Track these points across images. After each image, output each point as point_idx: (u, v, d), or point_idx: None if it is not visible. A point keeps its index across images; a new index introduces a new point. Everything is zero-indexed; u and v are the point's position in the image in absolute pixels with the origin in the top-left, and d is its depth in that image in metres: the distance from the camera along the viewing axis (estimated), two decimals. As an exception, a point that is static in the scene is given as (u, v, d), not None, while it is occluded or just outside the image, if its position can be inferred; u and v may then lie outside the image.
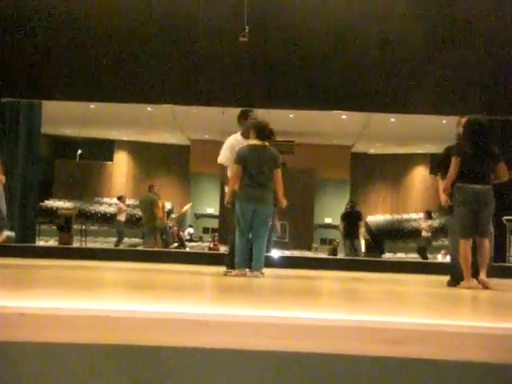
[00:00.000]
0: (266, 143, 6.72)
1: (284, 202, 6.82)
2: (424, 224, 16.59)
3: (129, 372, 2.14)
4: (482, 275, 6.03)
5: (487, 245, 6.28)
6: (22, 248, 11.15)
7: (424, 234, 16.36)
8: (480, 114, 6.72)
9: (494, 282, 6.23)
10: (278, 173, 6.66)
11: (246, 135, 6.79)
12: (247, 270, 6.56)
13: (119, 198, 17.21)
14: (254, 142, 6.69)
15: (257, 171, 6.61)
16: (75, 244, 14.43)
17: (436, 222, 21.60)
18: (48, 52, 10.77)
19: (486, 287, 5.91)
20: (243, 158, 6.62)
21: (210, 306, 3.07)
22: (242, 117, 7.09)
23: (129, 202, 22.51)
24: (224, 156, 6.91)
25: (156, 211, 14.25)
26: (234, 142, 6.88)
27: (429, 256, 16.53)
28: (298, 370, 2.13)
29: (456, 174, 6.18)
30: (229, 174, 6.86)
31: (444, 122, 16.21)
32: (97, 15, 10.83)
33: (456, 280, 6.30)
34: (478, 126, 6.31)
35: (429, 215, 16.72)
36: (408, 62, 10.65)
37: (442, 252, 18.39)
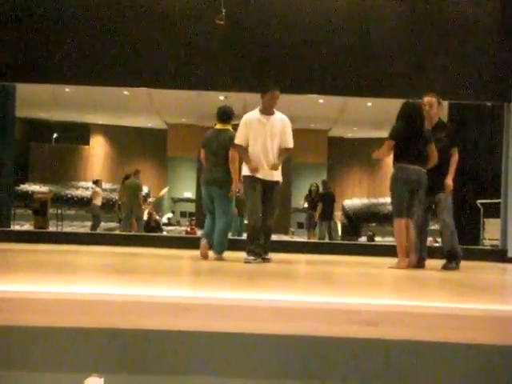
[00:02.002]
0: (228, 126, 7.13)
1: (236, 186, 6.94)
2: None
3: (105, 355, 2.14)
4: (412, 256, 6.46)
5: (411, 227, 6.50)
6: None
7: None
8: (414, 99, 6.97)
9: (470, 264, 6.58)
10: (230, 153, 6.91)
11: (262, 111, 6.71)
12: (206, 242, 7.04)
13: (95, 182, 17.11)
14: (217, 126, 7.20)
15: (213, 154, 7.02)
16: (51, 228, 14.32)
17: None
18: (22, 34, 10.62)
19: (416, 266, 6.49)
20: (204, 142, 7.21)
21: (187, 289, 3.08)
22: (262, 92, 6.83)
23: (105, 186, 22.40)
24: (238, 136, 6.69)
25: (140, 196, 14.46)
26: (246, 118, 6.70)
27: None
28: (274, 351, 2.15)
29: (388, 154, 6.61)
30: (231, 154, 6.94)
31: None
32: (72, -3, 10.70)
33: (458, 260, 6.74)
34: (413, 109, 6.58)
35: None
36: (385, 46, 10.67)
37: (431, 239, 18.56)
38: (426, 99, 6.89)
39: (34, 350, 2.14)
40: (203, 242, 7.01)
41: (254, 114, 6.65)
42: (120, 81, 11.27)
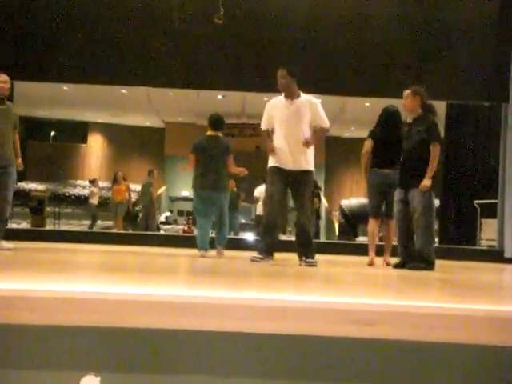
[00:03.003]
0: (220, 133, 7.36)
1: (240, 170, 7.22)
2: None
3: (101, 354, 2.14)
4: (386, 256, 7.01)
5: (392, 228, 6.92)
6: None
7: None
8: (392, 105, 7.28)
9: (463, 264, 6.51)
10: (230, 158, 7.18)
11: (285, 95, 6.23)
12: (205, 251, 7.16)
13: (91, 182, 17.12)
14: (210, 132, 7.39)
15: (213, 160, 7.15)
16: (48, 227, 14.32)
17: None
18: (20, 32, 10.60)
19: (388, 265, 6.80)
20: (198, 148, 7.34)
21: (184, 288, 3.07)
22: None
23: (103, 184, 22.37)
24: (263, 120, 6.39)
25: (151, 194, 14.69)
26: (270, 102, 6.34)
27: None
28: (270, 351, 2.15)
29: (368, 154, 6.90)
30: (231, 160, 7.18)
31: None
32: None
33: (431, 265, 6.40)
34: (388, 115, 7.00)
35: None
36: (383, 46, 10.68)
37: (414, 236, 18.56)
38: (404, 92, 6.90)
39: (29, 349, 2.14)
40: (202, 252, 7.15)
41: (279, 99, 6.23)
42: (118, 79, 11.27)
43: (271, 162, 6.12)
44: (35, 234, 11.16)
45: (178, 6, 10.38)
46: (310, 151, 6.07)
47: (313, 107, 6.12)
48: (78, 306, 2.18)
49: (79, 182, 23.44)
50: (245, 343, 2.16)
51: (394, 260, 6.97)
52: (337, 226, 21.18)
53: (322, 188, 15.91)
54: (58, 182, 23.14)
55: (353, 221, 22.26)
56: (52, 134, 23.29)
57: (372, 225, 7.02)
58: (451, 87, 10.75)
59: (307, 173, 6.07)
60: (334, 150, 22.89)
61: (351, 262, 7.79)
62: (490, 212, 11.52)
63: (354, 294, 3.12)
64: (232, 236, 12.64)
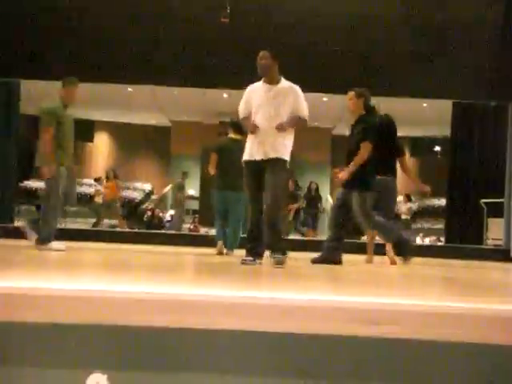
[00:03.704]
0: (239, 137, 7.57)
1: None
2: (403, 207, 16.70)
3: (108, 352, 2.14)
4: (391, 254, 7.17)
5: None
6: (1, 228, 11.07)
7: (403, 216, 16.48)
8: (387, 114, 7.47)
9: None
10: None
11: (264, 80, 5.77)
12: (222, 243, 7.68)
13: (97, 180, 17.14)
14: (232, 135, 7.82)
15: (233, 162, 7.22)
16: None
17: (415, 205, 21.76)
18: (26, 30, 10.63)
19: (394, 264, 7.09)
20: (218, 149, 7.79)
21: (192, 286, 3.08)
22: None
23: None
24: (240, 108, 5.86)
25: (178, 195, 15.04)
26: (248, 89, 5.86)
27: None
28: (276, 350, 2.15)
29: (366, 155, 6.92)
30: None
31: (424, 105, 16.30)
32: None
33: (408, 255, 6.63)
34: (382, 123, 7.09)
35: (408, 198, 16.84)
36: (390, 45, 10.66)
37: (421, 235, 18.55)
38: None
39: (36, 347, 2.15)
40: (219, 243, 7.71)
41: (257, 84, 5.75)
42: (124, 78, 11.28)
43: (245, 153, 5.70)
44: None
45: (183, 4, 10.38)
46: (287, 141, 5.66)
47: (293, 95, 5.66)
48: (85, 304, 2.19)
49: (85, 180, 23.42)
50: (252, 342, 2.16)
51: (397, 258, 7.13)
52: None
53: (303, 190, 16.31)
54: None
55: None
56: (58, 132, 23.33)
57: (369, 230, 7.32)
58: (457, 86, 10.74)
59: (277, 161, 5.54)
60: (339, 149, 22.84)
61: (356, 261, 7.78)
62: (497, 211, 11.51)
63: (360, 293, 3.12)
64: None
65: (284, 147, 5.63)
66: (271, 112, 5.55)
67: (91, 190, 18.88)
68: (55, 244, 6.53)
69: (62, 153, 6.57)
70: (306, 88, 11.47)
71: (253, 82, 5.56)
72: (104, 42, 10.61)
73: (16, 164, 12.88)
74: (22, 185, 19.88)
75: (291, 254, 6.20)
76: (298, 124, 5.71)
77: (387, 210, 7.14)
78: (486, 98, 11.32)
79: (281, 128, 5.49)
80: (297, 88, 5.71)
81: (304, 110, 5.70)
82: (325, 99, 16.52)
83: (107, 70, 10.85)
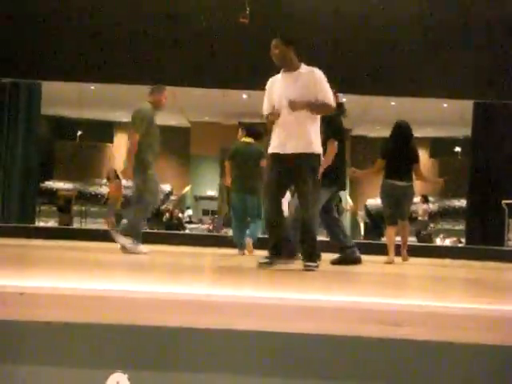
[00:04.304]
0: (252, 140, 8.04)
1: None
2: (420, 208, 16.59)
3: (129, 351, 2.16)
4: (403, 252, 7.46)
5: (406, 226, 7.53)
6: (22, 228, 11.17)
7: (420, 217, 16.36)
8: (403, 120, 7.69)
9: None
10: (263, 163, 7.52)
11: (283, 69, 5.30)
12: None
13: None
14: (245, 139, 8.11)
15: (247, 164, 7.80)
16: (75, 225, 14.45)
17: (435, 206, 21.64)
18: (48, 33, 10.73)
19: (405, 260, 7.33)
20: (233, 154, 8.08)
21: (211, 287, 3.09)
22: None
23: (128, 183, 22.45)
24: (264, 105, 5.29)
25: (220, 196, 15.20)
26: (269, 82, 5.39)
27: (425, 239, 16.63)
28: (295, 351, 2.15)
29: (378, 172, 7.51)
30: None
31: (445, 105, 16.19)
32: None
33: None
34: (399, 128, 7.42)
35: (425, 199, 16.72)
36: (409, 45, 10.61)
37: (441, 236, 18.43)
38: None
39: (58, 346, 2.16)
40: (240, 243, 7.96)
41: (277, 76, 5.29)
42: (144, 79, 11.33)
43: (270, 146, 5.15)
44: (62, 233, 11.28)
45: (203, 5, 10.41)
46: (313, 131, 5.03)
47: (316, 80, 5.10)
48: (107, 303, 2.20)
49: (105, 181, 23.58)
50: (270, 342, 2.16)
51: (414, 259, 7.22)
52: (362, 225, 21.07)
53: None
54: (84, 181, 23.33)
55: (378, 220, 22.15)
56: (79, 133, 23.49)
57: (389, 231, 7.49)
58: (478, 86, 10.66)
59: (305, 156, 4.91)
60: (359, 150, 22.78)
61: (376, 262, 7.75)
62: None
63: (380, 294, 3.10)
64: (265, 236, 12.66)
65: (314, 139, 4.98)
66: (294, 100, 4.95)
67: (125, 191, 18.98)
68: (141, 247, 6.57)
69: (152, 156, 6.64)
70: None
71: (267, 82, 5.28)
72: (124, 43, 10.67)
73: (37, 165, 12.99)
74: (42, 185, 20.05)
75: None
76: (319, 109, 5.03)
77: (402, 213, 7.39)
78: (507, 97, 11.21)
79: (293, 105, 4.89)
80: (319, 72, 5.15)
81: (330, 97, 5.08)
82: (343, 100, 16.48)
83: (127, 71, 10.91)
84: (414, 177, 7.47)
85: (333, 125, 6.29)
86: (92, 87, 15.94)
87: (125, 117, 23.10)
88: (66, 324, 2.16)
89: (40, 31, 10.70)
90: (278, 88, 5.13)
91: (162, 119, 22.69)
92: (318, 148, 4.98)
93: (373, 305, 2.22)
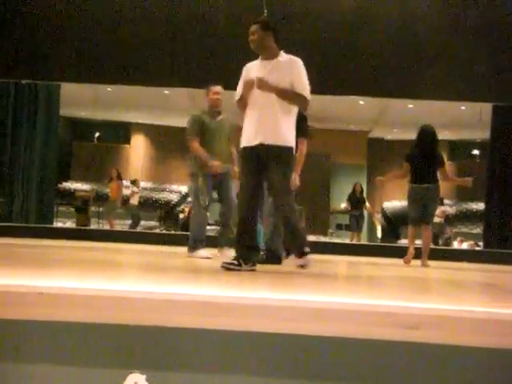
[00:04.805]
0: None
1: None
2: (438, 210, 16.43)
3: (147, 352, 2.17)
4: (424, 258, 7.50)
5: (428, 232, 7.64)
6: (40, 229, 11.26)
7: (436, 220, 16.22)
8: (428, 124, 7.77)
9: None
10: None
11: (261, 56, 4.96)
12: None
13: (132, 182, 17.31)
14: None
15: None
16: (92, 226, 14.54)
17: (452, 209, 21.52)
18: (66, 35, 10.80)
19: (424, 266, 7.38)
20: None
21: (228, 288, 3.09)
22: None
23: (146, 185, 22.58)
24: (237, 90, 4.91)
25: None
26: (244, 68, 5.02)
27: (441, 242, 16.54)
28: (311, 352, 2.15)
29: (403, 176, 7.67)
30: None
31: (463, 108, 16.11)
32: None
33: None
34: (423, 133, 7.54)
35: (441, 201, 16.57)
36: (427, 48, 10.57)
37: (458, 239, 18.32)
38: None
39: (76, 346, 2.18)
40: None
41: (254, 62, 4.95)
42: (161, 80, 11.38)
43: (242, 140, 4.77)
44: (80, 233, 11.35)
45: (220, 8, 10.42)
46: (286, 122, 4.63)
47: (293, 69, 4.75)
48: (123, 304, 2.21)
49: (122, 182, 23.73)
50: (286, 344, 2.16)
51: (430, 262, 7.24)
52: (379, 228, 20.99)
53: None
54: (101, 182, 23.46)
55: (395, 223, 22.09)
56: (96, 134, 23.64)
57: (411, 231, 7.78)
58: (497, 89, 10.58)
59: (281, 149, 4.56)
60: (376, 153, 22.72)
61: (393, 265, 7.73)
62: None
63: (397, 297, 3.09)
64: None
65: (286, 132, 4.60)
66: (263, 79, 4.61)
67: (127, 192, 19.09)
68: (202, 252, 6.57)
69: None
70: (342, 90, 11.45)
71: None
72: (140, 45, 10.71)
73: (55, 166, 13.08)
74: (60, 186, 20.19)
75: (337, 258, 6.12)
76: (291, 97, 4.63)
77: (427, 217, 7.53)
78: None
79: (261, 84, 4.54)
80: (297, 61, 4.80)
81: (303, 85, 4.68)
82: (361, 102, 16.46)
83: (143, 73, 10.95)
84: (439, 179, 7.59)
85: (302, 123, 5.94)
86: (109, 89, 16.04)
87: (141, 118, 23.24)
88: (85, 324, 2.17)
89: (58, 33, 10.78)
90: (254, 75, 4.72)
91: (181, 121, 22.83)
92: (290, 142, 4.60)
93: (389, 308, 2.21)
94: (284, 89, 4.57)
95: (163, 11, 10.74)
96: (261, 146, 4.52)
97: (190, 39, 10.68)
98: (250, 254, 4.54)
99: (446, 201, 21.53)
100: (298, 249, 4.65)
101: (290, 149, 4.59)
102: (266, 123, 4.55)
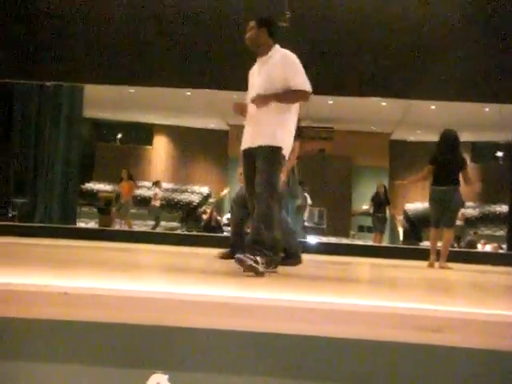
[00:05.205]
0: None
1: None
2: (458, 212, 16.25)
3: (169, 353, 2.18)
4: (442, 260, 7.53)
5: (449, 235, 7.74)
6: (64, 229, 11.35)
7: (457, 222, 16.03)
8: (449, 128, 7.89)
9: None
10: None
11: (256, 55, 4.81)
12: None
13: (155, 183, 17.36)
14: None
15: None
16: (115, 226, 14.62)
17: (476, 212, 21.33)
18: (89, 37, 10.89)
19: (442, 268, 7.37)
20: None
21: (248, 290, 3.10)
22: None
23: (168, 186, 22.66)
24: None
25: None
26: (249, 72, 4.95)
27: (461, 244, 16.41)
28: (331, 353, 2.15)
29: (426, 178, 7.83)
30: None
31: (486, 109, 15.96)
32: None
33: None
34: (445, 136, 7.68)
35: (462, 204, 16.39)
36: (448, 49, 10.48)
37: (482, 241, 18.16)
38: None
39: (100, 346, 2.20)
40: None
41: (255, 65, 4.80)
42: (183, 82, 11.42)
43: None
44: (103, 234, 11.42)
45: (240, 8, 10.43)
46: (278, 121, 4.40)
47: (286, 66, 4.45)
48: (147, 305, 2.23)
49: (144, 183, 23.83)
50: (305, 346, 2.16)
51: (453, 265, 7.30)
52: (401, 230, 20.86)
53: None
54: (124, 183, 23.58)
55: (417, 225, 21.94)
56: (119, 136, 23.78)
57: (433, 233, 7.85)
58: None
59: (262, 149, 4.34)
60: (398, 154, 22.58)
61: (415, 267, 7.69)
62: None
63: (420, 299, 3.08)
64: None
65: (275, 132, 4.36)
66: (259, 89, 4.47)
67: (150, 193, 19.17)
68: None
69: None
70: (364, 92, 11.39)
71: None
72: (163, 46, 10.76)
73: (78, 166, 13.19)
74: (83, 187, 20.35)
75: (359, 260, 6.07)
76: (289, 97, 4.42)
77: (448, 219, 7.63)
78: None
79: (257, 101, 4.39)
80: (289, 57, 4.49)
81: (299, 79, 4.40)
82: (383, 104, 16.37)
83: (165, 74, 11.00)
84: (461, 182, 7.67)
85: None
86: (131, 90, 16.13)
87: (163, 119, 23.33)
88: (109, 324, 2.19)
89: (81, 35, 10.87)
90: (253, 77, 4.69)
91: (201, 122, 22.92)
92: (278, 141, 4.34)
93: (412, 310, 2.20)
94: (279, 95, 4.36)
95: (185, 11, 10.77)
96: (251, 149, 4.44)
97: (212, 39, 10.70)
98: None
99: (467, 203, 21.35)
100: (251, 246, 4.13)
101: (277, 148, 4.33)
102: (259, 125, 4.41)
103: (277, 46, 4.57)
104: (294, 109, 4.50)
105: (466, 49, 10.46)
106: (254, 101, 4.39)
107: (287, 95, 4.38)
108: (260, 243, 4.04)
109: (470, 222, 20.68)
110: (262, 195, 4.20)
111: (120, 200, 14.88)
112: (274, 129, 4.34)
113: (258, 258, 3.92)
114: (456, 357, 2.09)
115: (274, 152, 4.30)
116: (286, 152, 4.42)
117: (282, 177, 6.03)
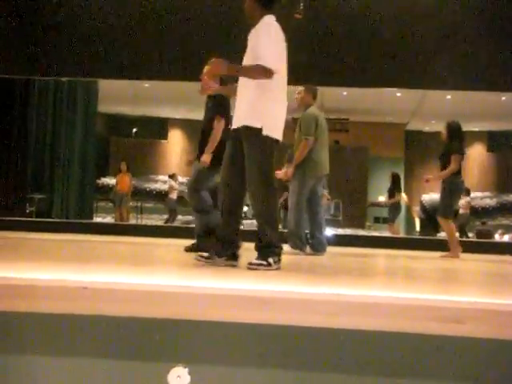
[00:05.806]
0: None
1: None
2: (462, 201, 16.03)
3: (189, 346, 2.18)
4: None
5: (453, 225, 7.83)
6: (81, 224, 11.42)
7: (462, 211, 15.84)
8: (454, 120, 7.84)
9: None
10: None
11: None
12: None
13: (171, 177, 17.37)
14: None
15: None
16: (131, 221, 14.68)
17: (493, 201, 21.19)
18: (103, 32, 10.90)
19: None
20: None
21: (266, 283, 3.09)
22: None
23: (183, 180, 22.68)
24: None
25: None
26: None
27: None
28: (350, 346, 2.14)
29: (457, 170, 7.60)
30: None
31: (503, 98, 15.83)
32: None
33: None
34: (458, 126, 7.64)
35: (467, 193, 16.17)
36: (464, 38, 10.39)
37: (499, 231, 18.04)
38: None
39: (120, 340, 2.21)
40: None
41: None
42: (197, 76, 11.41)
43: None
44: (119, 228, 11.47)
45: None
46: (255, 98, 3.98)
47: (255, 35, 4.07)
48: (169, 299, 2.23)
49: (160, 177, 23.87)
50: (324, 339, 2.16)
51: (470, 255, 7.23)
52: (417, 221, 20.78)
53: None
54: (139, 177, 23.65)
55: (434, 216, 21.81)
56: (134, 130, 23.84)
57: (453, 225, 7.87)
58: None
59: (247, 129, 3.93)
60: (414, 145, 22.47)
61: (433, 258, 7.65)
62: None
63: (440, 291, 3.06)
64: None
65: (254, 110, 3.96)
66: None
67: (165, 187, 19.20)
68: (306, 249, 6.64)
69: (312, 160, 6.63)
70: (379, 83, 11.32)
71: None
72: (174, 40, 10.76)
73: (94, 161, 13.25)
74: (99, 181, 20.43)
75: (375, 252, 6.07)
76: (248, 73, 4.00)
77: (448, 207, 7.66)
78: None
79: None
80: (261, 25, 4.09)
81: (257, 53, 3.96)
82: (398, 94, 16.29)
83: (179, 68, 11.01)
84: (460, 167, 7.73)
85: (218, 100, 5.98)
86: (146, 84, 16.16)
87: (178, 113, 23.36)
88: (129, 318, 2.20)
89: (96, 30, 10.89)
90: None
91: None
92: (255, 120, 3.91)
93: (434, 301, 2.19)
94: (235, 67, 4.01)
95: (194, 6, 10.75)
96: (235, 130, 4.05)
97: (225, 34, 10.68)
98: (229, 246, 4.05)
99: (486, 193, 21.19)
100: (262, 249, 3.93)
101: (258, 130, 3.89)
102: (240, 104, 4.07)
103: (265, 17, 4.10)
104: (275, 86, 4.05)
105: (481, 37, 10.37)
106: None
107: (244, 69, 4.00)
108: (269, 245, 3.89)
109: (487, 211, 20.54)
110: (256, 195, 3.94)
111: (118, 192, 14.81)
112: (248, 107, 3.98)
113: (271, 260, 3.82)
114: (478, 348, 2.08)
115: (253, 132, 3.89)
116: (270, 132, 3.94)
117: (288, 173, 6.19)
